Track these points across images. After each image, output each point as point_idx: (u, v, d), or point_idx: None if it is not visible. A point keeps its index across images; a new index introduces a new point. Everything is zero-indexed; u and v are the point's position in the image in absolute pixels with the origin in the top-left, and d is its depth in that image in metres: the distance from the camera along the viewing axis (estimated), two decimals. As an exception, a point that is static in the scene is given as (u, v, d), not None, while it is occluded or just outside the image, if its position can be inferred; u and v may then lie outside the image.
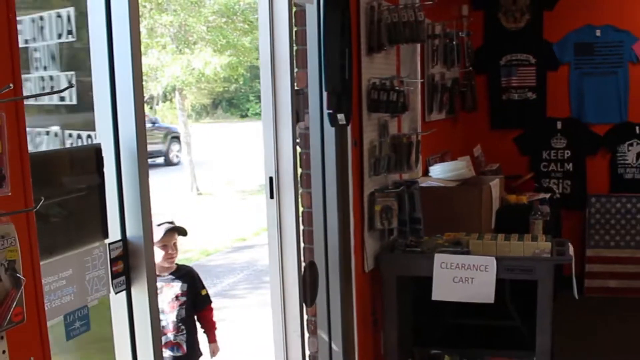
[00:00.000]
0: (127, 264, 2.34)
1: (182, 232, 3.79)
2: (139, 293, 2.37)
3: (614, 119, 6.70)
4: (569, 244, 4.42)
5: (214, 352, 4.00)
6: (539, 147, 6.84)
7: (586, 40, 6.66)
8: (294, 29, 3.55)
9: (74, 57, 2.46)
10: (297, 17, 3.63)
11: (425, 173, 4.94)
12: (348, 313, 3.77)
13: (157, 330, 2.42)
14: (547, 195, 5.91)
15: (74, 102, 2.33)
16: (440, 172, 4.70)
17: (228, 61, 14.69)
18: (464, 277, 3.89)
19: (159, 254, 3.55)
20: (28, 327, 1.65)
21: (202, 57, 14.20)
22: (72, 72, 2.31)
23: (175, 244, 3.73)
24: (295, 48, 3.55)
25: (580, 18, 6.63)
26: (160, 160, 18.79)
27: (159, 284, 3.25)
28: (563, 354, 4.94)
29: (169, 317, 3.69)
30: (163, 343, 3.32)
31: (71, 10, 2.23)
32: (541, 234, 4.59)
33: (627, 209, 6.65)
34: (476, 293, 3.89)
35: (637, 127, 6.69)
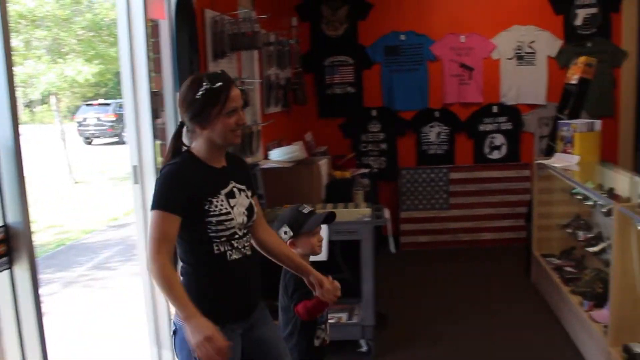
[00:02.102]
0: (9, 246, 2.32)
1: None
2: (22, 271, 2.36)
3: (418, 106, 7.00)
4: (385, 209, 4.65)
5: None
6: (358, 131, 7.07)
7: (393, 43, 6.93)
8: (150, 40, 3.56)
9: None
10: (153, 30, 3.63)
11: (266, 157, 5.02)
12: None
13: (38, 305, 2.42)
14: (367, 171, 6.16)
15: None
16: (278, 155, 4.78)
17: (98, 69, 14.70)
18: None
19: (308, 245, 3.00)
20: None
21: (74, 66, 14.08)
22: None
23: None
24: (151, 56, 3.56)
25: (388, 26, 6.91)
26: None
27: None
28: (384, 298, 5.18)
29: None
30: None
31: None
32: (362, 202, 4.77)
33: (431, 178, 7.01)
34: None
35: (435, 112, 7.04)
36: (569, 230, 5.49)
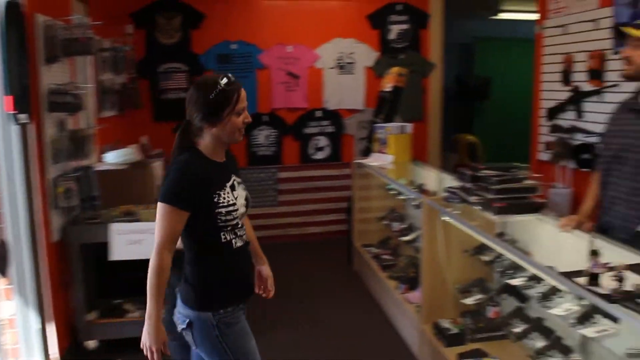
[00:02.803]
0: None
1: None
2: None
3: (248, 110, 7.04)
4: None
5: None
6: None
7: (225, 52, 6.90)
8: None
9: None
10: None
11: (101, 159, 4.86)
12: (39, 278, 3.64)
13: None
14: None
15: None
16: (113, 157, 4.64)
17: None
18: (136, 240, 3.92)
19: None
20: None
21: None
22: None
23: None
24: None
25: (220, 35, 6.87)
26: None
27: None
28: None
29: None
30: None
31: None
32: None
33: (261, 177, 7.08)
34: (147, 251, 3.93)
35: (264, 116, 7.08)
36: (385, 222, 5.77)
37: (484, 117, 9.86)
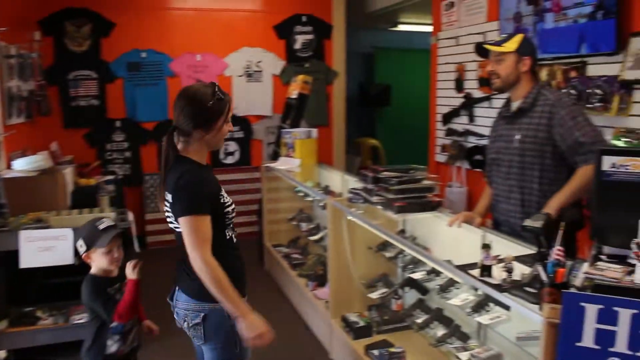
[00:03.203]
0: None
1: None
2: None
3: (159, 117, 6.87)
4: (129, 212, 4.53)
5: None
6: (103, 141, 6.77)
7: (135, 60, 6.74)
8: None
9: None
10: None
11: (10, 167, 4.64)
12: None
13: None
14: (112, 177, 5.94)
15: None
16: (22, 165, 4.43)
17: None
18: (46, 246, 3.77)
19: (102, 261, 2.80)
20: None
21: None
22: None
23: (119, 246, 2.88)
24: None
25: (130, 44, 6.71)
26: None
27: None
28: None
29: None
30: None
31: None
32: (107, 207, 4.61)
33: (173, 182, 6.97)
34: (59, 257, 3.79)
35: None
36: (294, 223, 5.80)
37: (385, 122, 10.09)
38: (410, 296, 3.87)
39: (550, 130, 2.86)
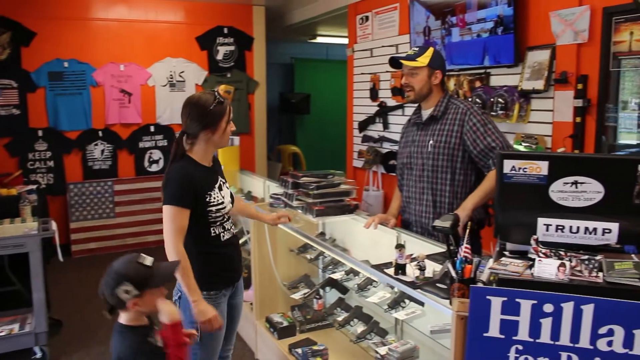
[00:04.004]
0: None
1: None
2: None
3: (82, 126, 6.65)
4: (52, 221, 4.34)
5: None
6: (25, 150, 6.45)
7: (57, 69, 6.47)
8: None
9: None
10: None
11: None
12: None
13: None
14: (35, 187, 5.69)
15: None
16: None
17: None
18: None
19: (152, 304, 2.16)
20: None
21: None
22: None
23: None
24: None
25: (52, 53, 6.44)
26: None
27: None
28: (59, 304, 4.88)
29: None
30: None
31: None
32: (29, 217, 4.42)
33: (98, 190, 6.72)
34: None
35: (99, 132, 6.77)
36: (218, 229, 5.72)
37: (305, 129, 10.13)
38: (331, 295, 3.88)
39: (461, 137, 2.95)
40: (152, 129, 7.04)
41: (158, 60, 7.00)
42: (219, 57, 7.33)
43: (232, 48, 7.39)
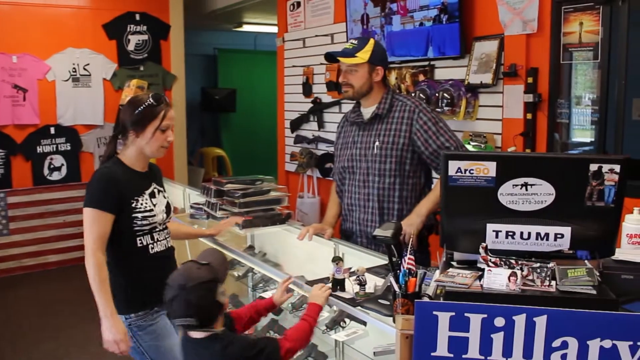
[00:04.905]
0: None
1: None
2: None
3: (-32, 129, 6.48)
4: None
5: None
6: None
7: None
8: None
9: None
10: None
11: None
12: None
13: None
14: None
15: None
16: None
17: None
18: None
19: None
20: None
21: None
22: None
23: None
24: None
25: None
26: None
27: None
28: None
29: None
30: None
31: None
32: None
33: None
34: None
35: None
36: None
37: (230, 129, 10.09)
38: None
39: (410, 137, 3.00)
40: (52, 130, 6.84)
41: (58, 51, 6.82)
42: (130, 47, 7.21)
43: (145, 37, 7.28)
